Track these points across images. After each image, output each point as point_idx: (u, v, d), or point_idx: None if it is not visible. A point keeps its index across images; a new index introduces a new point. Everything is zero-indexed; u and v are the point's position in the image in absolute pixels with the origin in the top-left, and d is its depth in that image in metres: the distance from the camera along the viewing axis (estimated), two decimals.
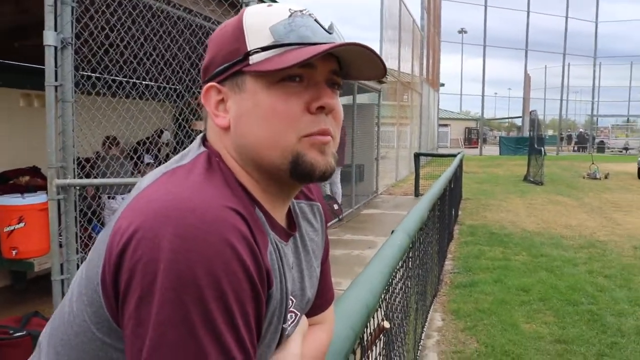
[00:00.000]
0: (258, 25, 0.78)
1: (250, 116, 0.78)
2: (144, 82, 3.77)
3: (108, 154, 4.92)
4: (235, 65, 0.79)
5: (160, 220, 0.66)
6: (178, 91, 4.48)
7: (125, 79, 3.78)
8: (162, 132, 5.63)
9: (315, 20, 0.80)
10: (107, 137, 4.92)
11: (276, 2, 5.13)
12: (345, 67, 0.82)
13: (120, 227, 0.69)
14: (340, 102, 0.83)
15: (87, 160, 3.38)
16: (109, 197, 5.03)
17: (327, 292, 1.06)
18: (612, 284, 5.65)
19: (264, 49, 0.77)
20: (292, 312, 0.87)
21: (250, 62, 0.77)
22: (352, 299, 1.42)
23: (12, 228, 4.40)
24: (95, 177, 3.78)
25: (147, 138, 5.04)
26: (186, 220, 0.65)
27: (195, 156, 0.80)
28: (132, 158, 4.80)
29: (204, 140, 0.86)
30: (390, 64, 13.98)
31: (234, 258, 0.66)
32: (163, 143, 5.80)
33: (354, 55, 0.79)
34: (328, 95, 0.79)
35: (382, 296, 1.72)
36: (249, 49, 0.78)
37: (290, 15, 0.78)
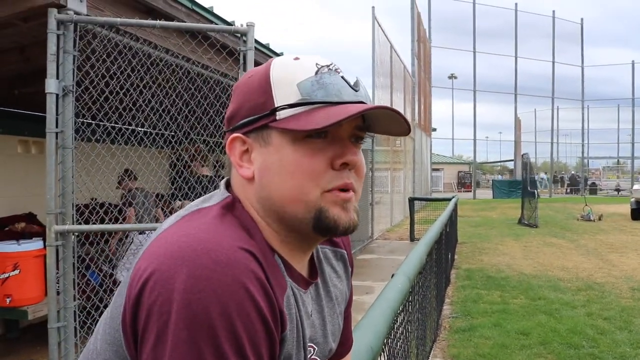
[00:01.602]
0: (285, 80, 0.79)
1: (275, 169, 0.79)
2: (142, 129, 3.82)
3: (127, 189, 4.83)
4: (261, 119, 0.80)
5: (175, 262, 0.67)
6: (177, 138, 4.53)
7: (125, 126, 3.82)
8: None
9: (342, 77, 0.81)
10: (126, 171, 4.82)
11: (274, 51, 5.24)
12: (370, 122, 0.84)
13: (139, 269, 0.71)
14: (362, 156, 0.84)
15: (86, 206, 3.38)
16: (139, 233, 4.92)
17: (348, 340, 1.06)
18: (612, 327, 5.60)
19: (291, 105, 0.78)
20: (313, 359, 0.87)
21: (277, 118, 0.78)
22: (357, 341, 1.41)
23: (6, 275, 4.34)
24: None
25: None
26: (200, 262, 0.67)
27: (217, 201, 0.82)
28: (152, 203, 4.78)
29: (227, 186, 0.87)
30: None
31: (247, 299, 0.67)
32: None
33: (380, 115, 0.81)
34: (352, 152, 0.80)
35: (385, 340, 1.71)
36: (276, 105, 0.78)
37: (317, 72, 0.79)
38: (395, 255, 10.18)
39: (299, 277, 0.85)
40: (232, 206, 0.81)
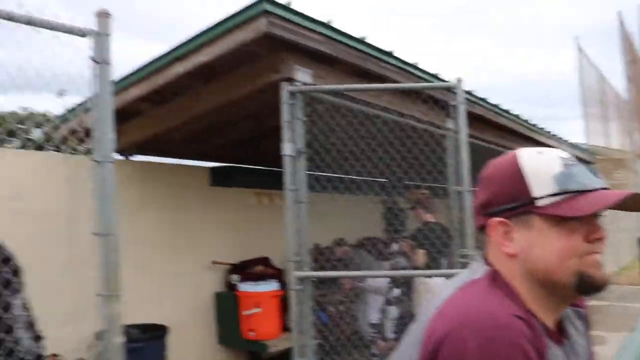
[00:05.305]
0: (539, 173, 0.95)
1: (539, 248, 0.95)
2: (365, 179, 4.12)
3: (343, 253, 5.34)
4: (522, 207, 0.96)
5: (464, 327, 0.85)
6: (389, 186, 4.80)
7: (349, 177, 4.16)
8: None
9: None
10: (337, 241, 5.41)
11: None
12: None
13: (434, 329, 0.90)
14: None
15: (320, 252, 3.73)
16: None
17: None
18: None
19: (552, 195, 0.93)
20: None
21: (538, 205, 0.94)
22: None
23: (250, 312, 5.01)
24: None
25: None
26: (485, 327, 0.84)
27: (482, 274, 0.99)
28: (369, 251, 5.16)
29: (485, 259, 1.03)
30: (595, 140, 13.08)
31: (523, 358, 0.82)
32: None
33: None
34: (601, 229, 0.94)
35: None
36: (534, 194, 0.94)
37: (564, 165, 0.95)
38: (626, 302, 9.11)
39: (554, 335, 0.97)
40: (495, 278, 0.97)
